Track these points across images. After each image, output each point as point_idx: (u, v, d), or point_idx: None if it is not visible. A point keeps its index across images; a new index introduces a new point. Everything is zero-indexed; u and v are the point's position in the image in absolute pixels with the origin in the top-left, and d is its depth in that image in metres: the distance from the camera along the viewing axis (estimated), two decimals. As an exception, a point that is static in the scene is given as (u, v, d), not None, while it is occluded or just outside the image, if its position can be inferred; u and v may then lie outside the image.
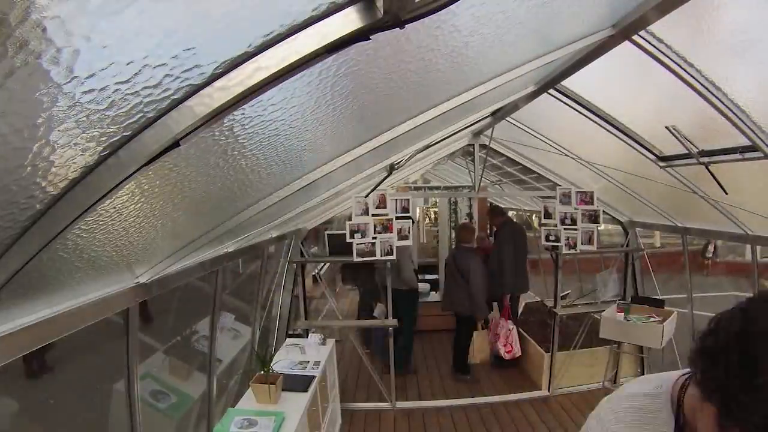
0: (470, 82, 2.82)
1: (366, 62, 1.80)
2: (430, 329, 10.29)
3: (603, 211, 6.74)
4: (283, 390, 4.50)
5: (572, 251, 6.88)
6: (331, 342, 6.19)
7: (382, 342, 8.11)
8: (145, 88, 1.18)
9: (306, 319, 7.64)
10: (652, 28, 3.02)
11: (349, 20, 1.26)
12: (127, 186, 1.50)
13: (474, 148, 6.62)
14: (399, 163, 5.36)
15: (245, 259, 6.04)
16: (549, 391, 7.74)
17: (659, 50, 3.19)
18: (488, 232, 10.81)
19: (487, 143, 6.24)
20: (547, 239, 7.05)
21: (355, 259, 6.40)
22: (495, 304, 8.75)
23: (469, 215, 11.94)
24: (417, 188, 10.98)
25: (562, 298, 8.22)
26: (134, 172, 1.41)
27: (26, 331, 2.09)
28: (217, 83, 1.29)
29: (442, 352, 9.49)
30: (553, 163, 7.15)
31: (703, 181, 4.66)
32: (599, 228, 6.68)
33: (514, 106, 4.43)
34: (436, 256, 12.57)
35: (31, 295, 2.05)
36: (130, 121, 1.26)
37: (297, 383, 4.77)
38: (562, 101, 4.71)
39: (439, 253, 11.96)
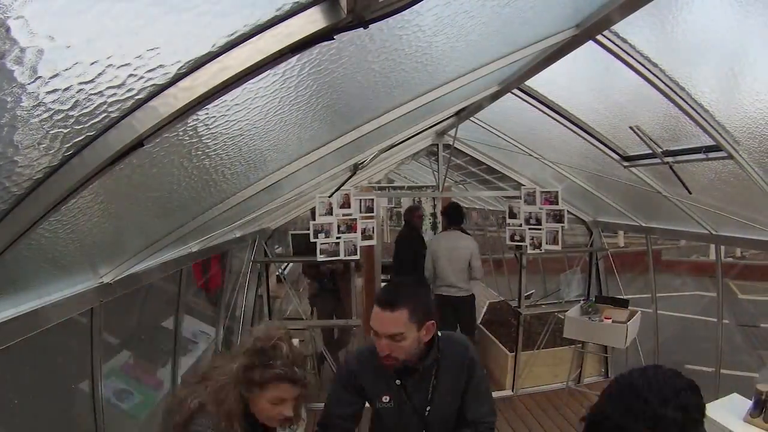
0: (434, 82, 2.85)
1: (330, 62, 1.81)
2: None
3: (567, 210, 6.81)
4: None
5: (537, 251, 6.92)
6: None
7: None
8: (109, 88, 1.18)
9: (270, 318, 7.61)
10: (615, 28, 3.04)
11: (312, 20, 1.28)
12: (91, 186, 1.50)
13: (438, 148, 6.65)
14: (363, 162, 5.37)
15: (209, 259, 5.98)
16: (513, 391, 7.77)
17: (623, 50, 3.22)
18: None
19: (451, 143, 6.27)
20: (512, 239, 7.06)
21: (319, 258, 6.37)
22: None
23: (433, 215, 11.98)
24: (381, 188, 10.91)
25: (526, 297, 8.25)
26: (98, 172, 1.41)
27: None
28: (181, 83, 1.30)
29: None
30: (517, 163, 7.21)
31: (667, 180, 4.74)
32: (564, 227, 6.75)
33: (478, 106, 4.46)
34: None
35: (-6, 295, 2.03)
36: (94, 121, 1.27)
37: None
38: (526, 101, 4.73)
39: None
